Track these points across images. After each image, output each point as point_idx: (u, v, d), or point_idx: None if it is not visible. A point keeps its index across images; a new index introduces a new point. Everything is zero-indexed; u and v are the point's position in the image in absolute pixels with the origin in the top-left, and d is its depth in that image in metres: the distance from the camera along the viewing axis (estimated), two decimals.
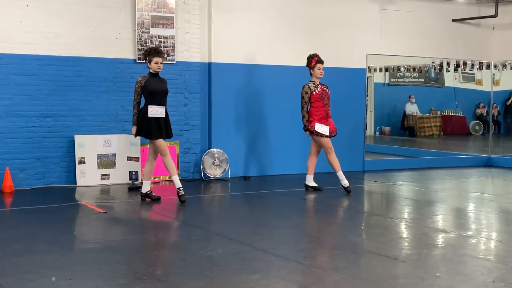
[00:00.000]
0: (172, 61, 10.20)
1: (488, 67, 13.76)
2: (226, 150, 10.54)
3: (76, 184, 9.45)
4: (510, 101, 18.68)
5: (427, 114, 19.03)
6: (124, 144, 9.95)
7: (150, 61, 8.01)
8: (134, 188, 9.32)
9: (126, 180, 9.85)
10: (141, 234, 6.79)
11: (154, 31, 10.06)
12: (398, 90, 18.86)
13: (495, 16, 12.71)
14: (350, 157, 11.52)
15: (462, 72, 17.34)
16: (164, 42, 10.12)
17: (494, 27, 13.23)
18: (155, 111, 7.96)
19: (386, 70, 17.55)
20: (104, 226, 6.97)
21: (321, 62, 9.01)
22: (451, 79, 18.54)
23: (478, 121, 19.15)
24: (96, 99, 9.69)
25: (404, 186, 10.62)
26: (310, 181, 9.26)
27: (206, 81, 10.57)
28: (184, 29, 10.32)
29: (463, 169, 12.55)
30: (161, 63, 8.04)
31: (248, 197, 9.23)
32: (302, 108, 8.94)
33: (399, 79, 18.81)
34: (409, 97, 18.74)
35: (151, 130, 7.99)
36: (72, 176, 9.53)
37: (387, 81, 18.62)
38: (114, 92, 9.82)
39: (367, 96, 15.37)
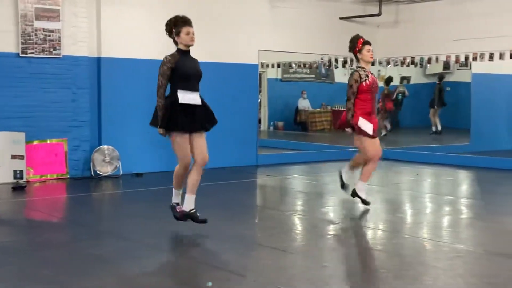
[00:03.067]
0: (59, 55, 9.94)
1: (373, 63, 14.35)
2: (117, 146, 10.39)
3: None
4: (395, 96, 19.62)
5: (318, 109, 19.64)
6: (7, 142, 9.56)
7: (178, 34, 6.23)
8: (18, 188, 9.01)
9: (10, 179, 9.46)
10: (27, 234, 6.59)
11: (38, 24, 9.73)
12: (290, 85, 19.31)
13: (379, 14, 13.31)
14: (243, 152, 11.71)
15: (350, 69, 17.98)
16: (49, 36, 9.83)
17: (379, 25, 13.83)
18: (188, 97, 6.11)
19: (279, 66, 17.92)
20: None
21: (369, 43, 7.61)
22: (340, 75, 19.19)
23: None
24: None
25: (296, 179, 10.93)
26: (361, 190, 7.67)
27: (95, 76, 10.38)
28: (71, 22, 10.05)
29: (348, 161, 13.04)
30: (193, 34, 6.23)
31: (140, 194, 9.13)
32: (349, 99, 7.45)
33: (291, 75, 19.26)
34: (301, 92, 19.25)
35: (177, 120, 6.09)
36: None
37: (279, 77, 19.02)
38: None
39: (260, 91, 15.64)
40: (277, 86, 18.85)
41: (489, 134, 14.04)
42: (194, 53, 11.13)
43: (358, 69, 7.54)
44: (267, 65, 17.20)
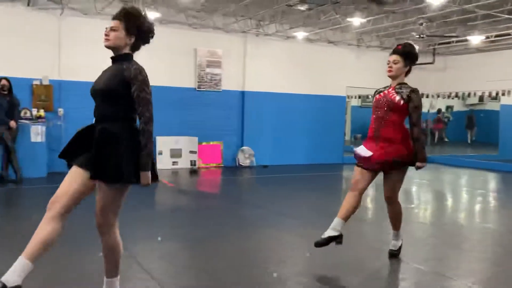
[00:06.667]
0: (219, 89, 10.11)
1: (427, 96, 13.71)
2: (253, 146, 10.43)
3: None
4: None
5: None
6: (187, 142, 9.64)
7: None
8: (193, 171, 9.15)
9: (188, 166, 9.63)
10: (197, 200, 6.59)
11: (208, 70, 9.95)
12: (367, 110, 18.61)
13: (432, 63, 12.69)
14: (332, 153, 11.51)
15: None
16: (214, 77, 10.00)
17: (432, 70, 13.17)
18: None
19: (359, 97, 17.44)
20: None
21: (393, 52, 3.74)
22: None
23: None
24: None
25: None
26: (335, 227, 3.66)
27: (240, 102, 10.44)
28: (228, 69, 10.22)
29: None
30: (113, 30, 2.56)
31: (267, 179, 8.81)
32: None
33: (368, 103, 18.67)
34: None
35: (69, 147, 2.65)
36: None
37: (359, 104, 18.51)
38: None
39: (346, 114, 15.30)
40: (357, 111, 18.41)
41: None
42: (302, 87, 11.06)
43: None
44: (352, 96, 16.84)
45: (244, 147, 10.43)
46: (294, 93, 10.99)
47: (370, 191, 7.97)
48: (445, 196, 7.98)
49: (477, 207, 6.90)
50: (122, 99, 2.53)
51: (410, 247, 4.33)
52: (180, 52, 9.73)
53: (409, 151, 3.61)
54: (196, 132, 9.90)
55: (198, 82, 9.95)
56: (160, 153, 9.60)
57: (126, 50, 2.63)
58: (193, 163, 9.80)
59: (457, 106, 17.96)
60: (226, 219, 5.32)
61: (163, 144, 9.61)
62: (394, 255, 3.88)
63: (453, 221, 5.71)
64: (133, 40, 2.61)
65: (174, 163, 9.72)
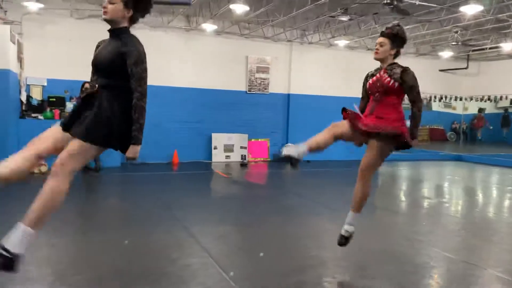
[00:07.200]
0: (267, 92, 10.09)
1: (460, 99, 13.11)
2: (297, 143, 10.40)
3: None
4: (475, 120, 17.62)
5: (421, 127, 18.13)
6: (238, 139, 9.68)
7: None
8: (243, 164, 9.13)
9: (239, 159, 9.69)
10: (246, 190, 6.59)
11: (257, 75, 9.98)
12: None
13: (466, 68, 12.10)
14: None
15: (444, 102, 16.50)
16: (263, 81, 10.01)
17: (466, 74, 12.57)
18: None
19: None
20: None
21: (380, 34, 3.27)
22: (436, 106, 17.61)
23: (453, 132, 18.12)
24: None
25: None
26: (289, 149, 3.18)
27: (286, 104, 10.41)
28: (274, 74, 10.19)
29: (439, 161, 11.91)
30: (111, 3, 2.39)
31: (310, 173, 8.51)
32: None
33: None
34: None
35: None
36: None
37: None
38: None
39: None
40: None
41: None
42: (342, 90, 10.74)
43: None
44: None
45: (288, 144, 10.29)
46: (334, 95, 10.77)
47: (403, 185, 7.77)
48: (475, 191, 7.59)
49: (506, 202, 6.53)
50: (120, 72, 2.31)
51: (442, 238, 4.23)
52: (234, 59, 9.85)
53: (401, 129, 3.06)
54: (246, 130, 9.98)
55: (249, 85, 10.02)
56: (215, 148, 9.72)
57: (125, 24, 2.41)
58: (243, 157, 9.85)
59: (489, 108, 16.98)
60: (272, 206, 5.35)
61: (218, 139, 9.72)
62: (346, 240, 3.23)
63: (483, 215, 5.47)
64: (131, 13, 2.41)
65: (227, 157, 9.78)
